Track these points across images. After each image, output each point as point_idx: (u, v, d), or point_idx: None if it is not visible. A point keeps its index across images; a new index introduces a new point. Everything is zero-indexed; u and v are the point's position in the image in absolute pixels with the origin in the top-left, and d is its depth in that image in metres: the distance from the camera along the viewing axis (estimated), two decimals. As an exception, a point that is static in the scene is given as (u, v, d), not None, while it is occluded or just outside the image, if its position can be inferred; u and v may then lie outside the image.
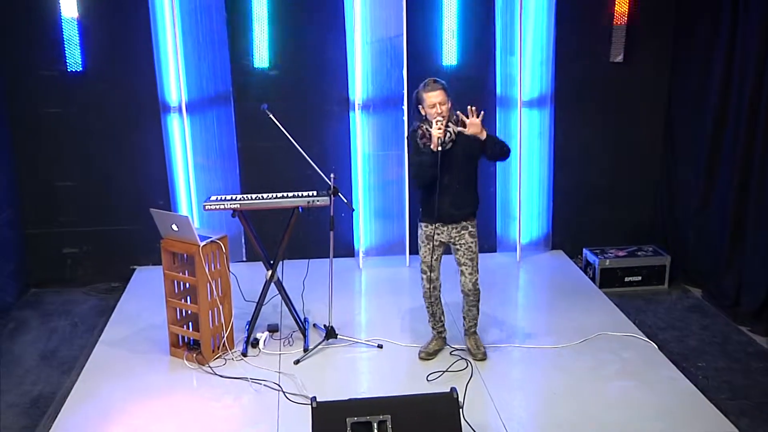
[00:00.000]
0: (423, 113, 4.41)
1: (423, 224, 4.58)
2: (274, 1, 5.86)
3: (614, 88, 6.28)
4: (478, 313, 4.76)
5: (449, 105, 4.37)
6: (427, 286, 4.63)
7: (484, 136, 4.31)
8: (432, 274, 4.61)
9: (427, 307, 4.74)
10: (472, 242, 4.56)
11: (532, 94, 6.18)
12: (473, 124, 4.26)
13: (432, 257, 4.57)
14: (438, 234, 4.52)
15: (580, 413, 4.13)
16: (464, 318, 4.79)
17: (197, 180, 6.06)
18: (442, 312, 4.78)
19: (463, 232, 4.54)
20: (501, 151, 4.43)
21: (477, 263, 4.61)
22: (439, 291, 4.70)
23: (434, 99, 4.31)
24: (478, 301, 4.70)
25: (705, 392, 4.32)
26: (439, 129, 4.28)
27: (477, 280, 4.63)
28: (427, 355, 4.77)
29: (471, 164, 4.50)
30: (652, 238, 6.52)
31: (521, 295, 5.93)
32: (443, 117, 4.32)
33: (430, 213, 4.47)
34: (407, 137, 4.59)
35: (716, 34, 5.64)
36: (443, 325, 4.82)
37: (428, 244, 4.56)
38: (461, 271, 4.61)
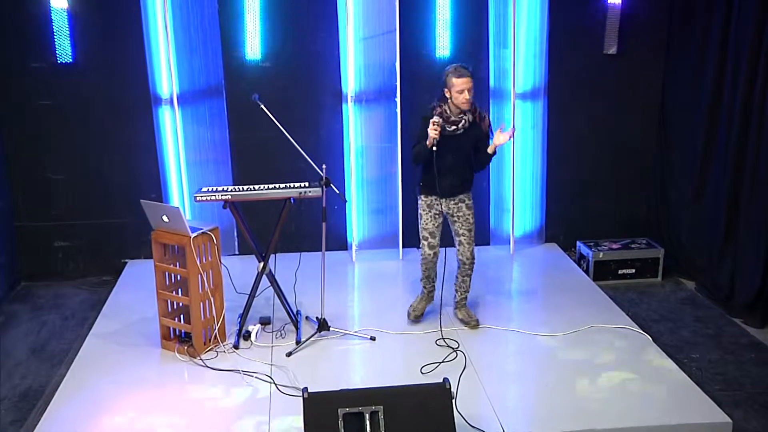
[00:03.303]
0: (448, 95, 4.59)
1: (422, 196, 4.83)
2: (266, -7, 5.84)
3: (608, 80, 6.27)
4: (470, 285, 5.02)
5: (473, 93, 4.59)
6: (429, 252, 4.86)
7: (492, 150, 4.69)
8: (434, 241, 4.86)
9: (424, 271, 4.97)
10: (469, 214, 4.81)
11: (526, 87, 6.16)
12: (503, 139, 4.62)
13: (433, 224, 4.83)
14: (437, 205, 4.79)
15: (574, 404, 4.11)
16: (456, 290, 5.03)
17: (189, 172, 6.02)
18: (436, 274, 5.01)
19: (460, 204, 4.79)
20: (480, 165, 4.80)
21: (474, 233, 4.85)
22: (437, 256, 4.92)
23: (464, 86, 4.52)
24: (472, 271, 4.95)
25: (699, 383, 4.31)
26: (436, 130, 4.47)
27: (474, 249, 4.87)
28: (416, 317, 5.06)
29: (473, 150, 4.75)
30: (646, 230, 6.52)
31: (515, 288, 5.91)
32: (469, 104, 4.58)
33: (431, 188, 4.71)
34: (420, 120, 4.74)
35: (710, 26, 5.64)
36: (434, 285, 5.07)
37: (429, 212, 4.82)
38: (459, 241, 4.86)
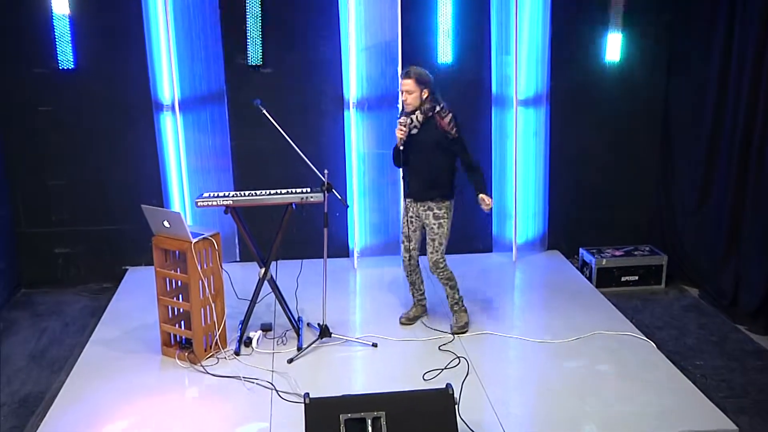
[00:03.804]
0: None
1: (404, 199, 4.98)
2: (268, -1, 5.84)
3: (610, 87, 6.25)
4: (453, 293, 5.00)
5: (420, 95, 4.65)
6: (405, 254, 5.00)
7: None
8: (409, 245, 4.96)
9: (407, 276, 5.09)
10: (435, 224, 4.83)
11: (528, 93, 6.15)
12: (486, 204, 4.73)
13: (409, 229, 4.94)
14: (412, 209, 4.90)
15: (578, 410, 4.07)
16: (446, 297, 5.07)
17: (190, 179, 6.00)
18: (421, 281, 5.14)
19: (428, 212, 4.84)
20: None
21: (440, 244, 4.85)
22: (417, 261, 5.03)
23: (402, 87, 4.68)
24: (449, 279, 4.95)
25: (704, 390, 4.27)
26: (401, 131, 4.66)
27: (437, 259, 4.86)
28: (408, 320, 5.13)
29: (440, 152, 4.73)
30: (649, 237, 6.48)
31: (517, 294, 5.87)
32: (409, 106, 4.67)
33: (406, 189, 4.91)
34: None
35: (713, 34, 5.62)
36: (423, 294, 5.18)
37: (405, 215, 4.97)
38: (427, 243, 4.92)
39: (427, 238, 4.88)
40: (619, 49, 6.12)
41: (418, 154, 4.72)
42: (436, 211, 4.80)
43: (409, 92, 4.63)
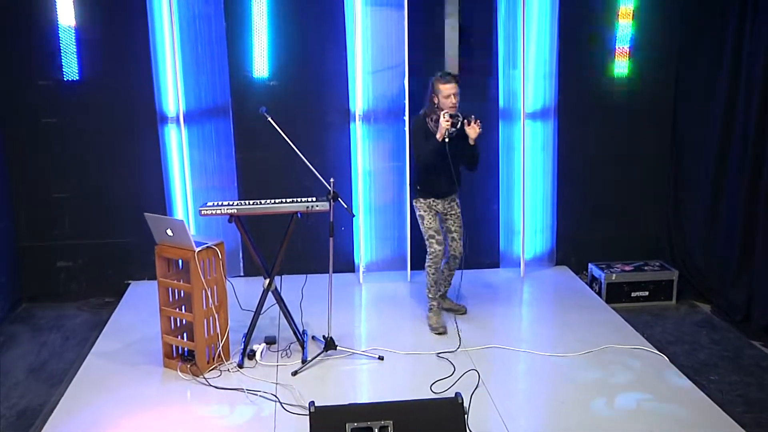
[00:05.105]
0: (435, 102, 4.86)
1: (421, 198, 5.05)
2: (274, 11, 5.81)
3: (619, 100, 6.20)
4: None
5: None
6: (439, 248, 5.03)
7: (473, 139, 4.82)
8: (440, 237, 5.06)
9: (433, 274, 5.08)
10: (459, 211, 5.13)
11: (535, 107, 6.10)
12: (474, 130, 4.77)
13: (436, 223, 5.08)
14: (435, 205, 5.05)
15: (590, 424, 3.96)
16: (442, 283, 5.24)
17: (194, 192, 5.94)
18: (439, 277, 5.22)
19: (452, 203, 5.10)
20: (472, 160, 5.01)
21: (463, 229, 5.14)
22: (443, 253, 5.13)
23: (451, 90, 4.80)
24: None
25: (720, 405, 4.15)
26: (447, 121, 4.70)
27: (463, 244, 5.15)
28: (443, 331, 5.07)
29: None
30: (659, 252, 6.38)
31: (526, 309, 5.78)
32: (455, 108, 4.80)
33: (431, 190, 5.01)
34: (410, 126, 5.05)
35: (722, 47, 5.59)
36: (439, 290, 5.23)
37: (430, 212, 5.05)
38: (452, 237, 5.13)
39: (453, 227, 5.09)
40: (626, 63, 6.09)
41: (453, 154, 4.83)
42: (457, 200, 5.10)
43: (455, 95, 4.81)
